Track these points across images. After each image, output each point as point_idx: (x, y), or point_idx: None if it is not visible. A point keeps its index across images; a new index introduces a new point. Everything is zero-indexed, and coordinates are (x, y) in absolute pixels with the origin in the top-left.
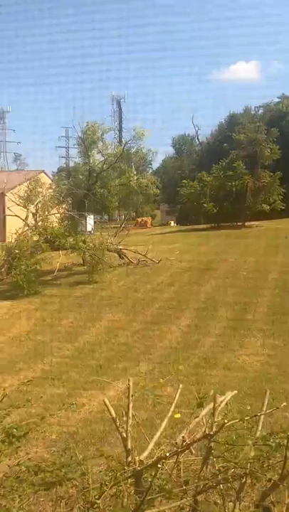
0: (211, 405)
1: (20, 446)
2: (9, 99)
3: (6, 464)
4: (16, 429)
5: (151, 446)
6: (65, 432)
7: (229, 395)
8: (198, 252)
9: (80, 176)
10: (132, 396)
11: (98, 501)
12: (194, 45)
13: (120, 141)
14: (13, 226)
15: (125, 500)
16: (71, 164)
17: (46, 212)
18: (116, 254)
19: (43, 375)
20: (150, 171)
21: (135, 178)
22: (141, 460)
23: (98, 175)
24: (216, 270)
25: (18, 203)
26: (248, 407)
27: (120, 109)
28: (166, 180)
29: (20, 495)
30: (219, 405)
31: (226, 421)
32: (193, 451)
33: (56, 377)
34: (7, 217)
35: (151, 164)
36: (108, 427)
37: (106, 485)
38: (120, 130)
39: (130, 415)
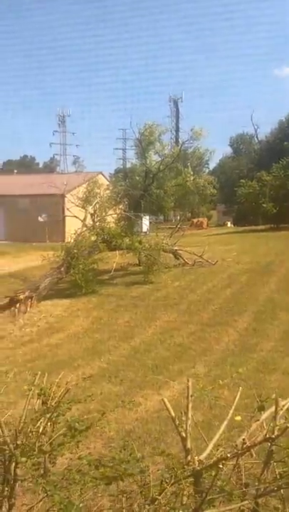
0: (273, 409)
1: (81, 441)
2: (69, 103)
3: (68, 457)
4: (78, 422)
5: (210, 447)
6: (121, 429)
7: None
8: (257, 254)
9: (137, 177)
10: (191, 396)
11: (159, 497)
12: (253, 39)
13: (177, 142)
14: (72, 227)
15: (185, 498)
16: (128, 166)
17: (104, 213)
18: (171, 255)
19: (100, 373)
20: (207, 170)
21: (192, 178)
22: (200, 460)
23: (155, 176)
24: (275, 272)
25: (77, 204)
26: None
27: (177, 109)
28: (224, 180)
29: (81, 488)
30: (281, 409)
31: (288, 425)
32: (254, 455)
33: (113, 375)
34: (66, 218)
35: (208, 164)
36: (164, 427)
37: (166, 482)
38: (177, 130)
39: (189, 415)
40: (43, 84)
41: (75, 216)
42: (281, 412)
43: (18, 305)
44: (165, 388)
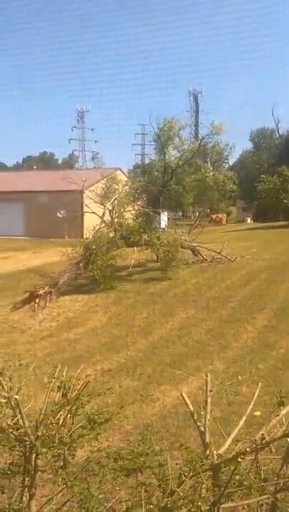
0: None
1: (100, 433)
2: (88, 100)
3: (87, 450)
4: (97, 415)
5: (229, 441)
6: (139, 424)
7: None
8: (277, 251)
9: (156, 173)
10: (210, 391)
11: (178, 490)
12: (274, 32)
13: (196, 137)
14: (91, 223)
15: (204, 491)
16: (146, 161)
17: (122, 209)
18: (190, 252)
19: (118, 367)
20: (227, 166)
21: (211, 173)
22: (219, 454)
23: (173, 171)
24: None
25: (95, 200)
26: None
27: (197, 103)
28: (244, 176)
29: (100, 480)
30: None
31: None
32: (273, 450)
33: (131, 370)
34: (85, 214)
35: (227, 159)
36: (182, 422)
37: (185, 475)
38: (196, 125)
39: (208, 410)
40: (61, 77)
41: (93, 212)
42: None
43: (37, 300)
44: (183, 384)
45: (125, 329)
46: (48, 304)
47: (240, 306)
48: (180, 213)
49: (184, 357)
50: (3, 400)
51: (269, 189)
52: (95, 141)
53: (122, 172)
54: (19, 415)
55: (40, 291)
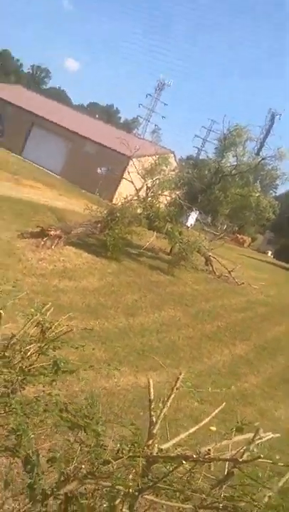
0: (250, 435)
1: (55, 380)
2: (174, 74)
3: (39, 389)
4: (64, 363)
5: (172, 442)
6: (93, 390)
7: (270, 435)
8: (284, 292)
9: (206, 172)
10: (176, 389)
11: (113, 462)
12: None
13: (258, 153)
14: (124, 191)
15: (135, 476)
16: (201, 157)
17: (160, 192)
18: (203, 259)
19: (92, 333)
20: (273, 194)
21: (257, 194)
22: (161, 448)
23: (223, 177)
24: None
25: (139, 171)
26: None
27: (272, 123)
28: (284, 210)
29: (41, 420)
30: (260, 438)
31: (261, 455)
32: (212, 468)
33: (103, 340)
34: (122, 180)
35: (277, 187)
36: (127, 404)
37: (123, 453)
38: (263, 143)
39: (168, 405)
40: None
41: (131, 182)
42: (257, 442)
43: (45, 238)
44: (144, 373)
45: (111, 302)
46: (53, 247)
47: (226, 328)
48: (209, 219)
49: (154, 350)
50: None
51: None
52: (163, 117)
53: (174, 157)
54: None
55: (52, 232)
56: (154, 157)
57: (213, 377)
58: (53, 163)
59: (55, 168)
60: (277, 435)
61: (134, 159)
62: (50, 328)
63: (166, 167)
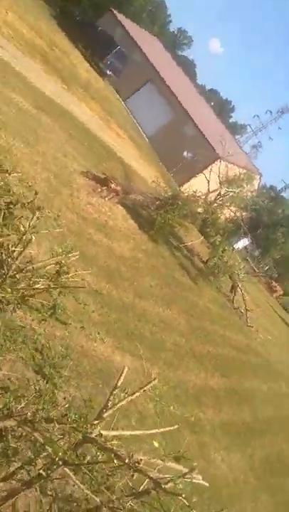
0: (183, 469)
1: (45, 321)
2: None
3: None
4: (61, 310)
5: (114, 433)
6: (69, 343)
7: (200, 481)
8: (285, 355)
9: (279, 210)
10: (144, 391)
11: (56, 424)
12: None
13: None
14: (196, 185)
15: (67, 445)
16: (284, 194)
17: (228, 204)
18: (230, 285)
19: (95, 294)
20: None
21: None
22: (101, 433)
23: None
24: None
25: (219, 175)
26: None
27: None
28: None
29: (15, 349)
30: (191, 477)
31: (182, 495)
32: (135, 476)
33: (102, 306)
34: (200, 175)
35: None
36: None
37: (68, 420)
38: None
39: (128, 399)
40: None
41: (208, 181)
42: (186, 479)
43: (104, 188)
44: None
45: (130, 275)
46: (106, 199)
47: (214, 357)
48: (257, 253)
49: (142, 338)
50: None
51: None
52: (270, 138)
53: (259, 180)
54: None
55: (112, 185)
56: (241, 169)
57: (178, 392)
58: (147, 125)
59: (146, 130)
60: (206, 484)
61: (222, 161)
62: (67, 273)
63: (247, 185)
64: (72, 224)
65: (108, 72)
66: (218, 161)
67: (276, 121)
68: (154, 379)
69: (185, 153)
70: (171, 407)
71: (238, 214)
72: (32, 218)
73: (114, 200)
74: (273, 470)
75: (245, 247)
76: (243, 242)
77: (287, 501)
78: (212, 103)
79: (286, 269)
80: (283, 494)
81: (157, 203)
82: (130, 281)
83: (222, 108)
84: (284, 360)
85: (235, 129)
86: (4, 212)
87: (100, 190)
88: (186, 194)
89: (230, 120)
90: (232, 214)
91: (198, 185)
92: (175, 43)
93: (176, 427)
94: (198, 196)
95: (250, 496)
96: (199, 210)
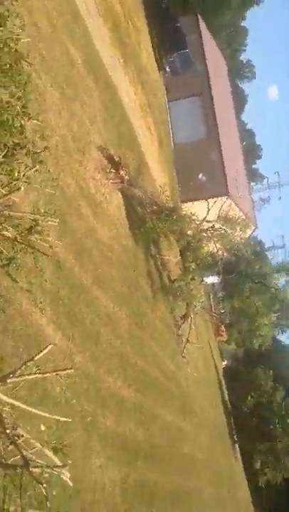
0: (57, 461)
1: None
2: None
3: None
4: (16, 267)
5: (11, 400)
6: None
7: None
8: (201, 397)
9: (257, 266)
10: (56, 374)
11: None
12: None
13: None
14: (196, 207)
15: None
16: (269, 253)
17: (215, 240)
18: (183, 312)
19: (55, 261)
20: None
21: (265, 322)
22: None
23: (262, 284)
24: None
25: (221, 211)
26: None
27: None
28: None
29: None
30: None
31: None
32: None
33: (58, 277)
34: (202, 202)
35: None
36: None
37: None
38: None
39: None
40: None
41: (208, 210)
42: (57, 472)
43: (113, 170)
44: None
45: (98, 260)
46: (110, 181)
47: (137, 370)
48: (221, 294)
49: (79, 319)
50: None
51: (257, 404)
52: (280, 198)
53: (252, 231)
54: None
55: (121, 172)
56: (241, 214)
57: (90, 388)
58: (178, 133)
59: (176, 138)
60: (70, 483)
61: (228, 199)
62: (39, 234)
63: (240, 230)
64: (67, 188)
65: (167, 68)
66: (226, 197)
67: None
68: (71, 369)
69: (200, 176)
70: (74, 401)
71: (220, 252)
72: (30, 169)
73: (117, 185)
74: (142, 497)
75: (213, 285)
76: (212, 279)
77: None
78: (244, 142)
79: (238, 321)
80: None
81: (154, 207)
82: (96, 266)
83: (251, 151)
84: (198, 400)
85: (254, 175)
86: (8, 151)
87: (108, 170)
88: (184, 212)
89: (253, 166)
90: (215, 250)
91: (198, 209)
92: (239, 71)
93: (69, 419)
94: (194, 220)
95: (106, 507)
96: (189, 232)
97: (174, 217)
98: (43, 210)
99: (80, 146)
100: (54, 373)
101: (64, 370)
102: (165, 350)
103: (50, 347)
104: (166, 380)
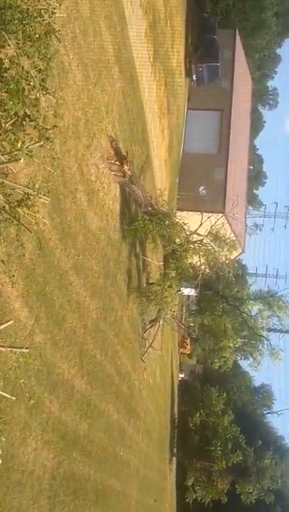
0: None
1: None
2: None
3: None
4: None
5: None
6: None
7: None
8: (153, 411)
9: (235, 289)
10: (10, 350)
11: None
12: None
13: None
14: (189, 218)
15: None
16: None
17: (201, 253)
18: (153, 317)
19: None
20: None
21: (229, 345)
22: None
23: (236, 308)
24: None
25: (213, 226)
26: None
27: None
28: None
29: None
30: None
31: None
32: None
33: (40, 256)
34: (197, 213)
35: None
36: None
37: None
38: None
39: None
40: None
41: (200, 224)
42: None
43: (117, 162)
44: None
45: (80, 246)
46: (110, 171)
47: (93, 363)
48: (194, 307)
49: (47, 298)
50: None
51: (200, 425)
52: (272, 228)
53: (239, 254)
54: None
55: (125, 167)
56: (232, 235)
57: (43, 370)
58: (190, 142)
59: (186, 146)
60: None
61: (221, 216)
62: (27, 208)
63: (225, 251)
64: (68, 170)
65: (194, 77)
66: (221, 215)
67: (287, 218)
68: (27, 348)
69: (201, 188)
70: (22, 380)
71: (202, 267)
72: (35, 143)
73: (117, 178)
74: (68, 488)
75: (188, 297)
76: (189, 291)
77: None
78: (251, 166)
79: (204, 338)
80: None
81: (149, 208)
82: (78, 252)
83: (256, 176)
84: (147, 405)
85: (253, 200)
86: (17, 120)
87: (112, 161)
88: (176, 220)
89: (255, 191)
90: (198, 263)
91: (192, 220)
92: (262, 96)
93: (13, 398)
94: (185, 229)
95: (30, 495)
96: (177, 240)
97: (166, 222)
98: (37, 186)
99: (91, 132)
100: (9, 349)
101: (20, 348)
102: (126, 350)
103: (10, 322)
104: (120, 380)
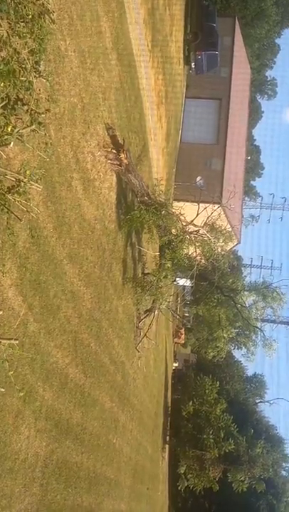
0: None
1: None
2: None
3: None
4: None
5: None
6: None
7: None
8: (146, 399)
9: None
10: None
11: None
12: None
13: None
14: (186, 209)
15: None
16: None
17: (197, 244)
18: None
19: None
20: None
21: (224, 337)
22: None
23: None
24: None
25: (209, 218)
26: None
27: None
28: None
29: None
30: None
31: None
32: None
33: (33, 242)
34: (194, 204)
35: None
36: None
37: None
38: None
39: None
40: None
41: (197, 214)
42: None
43: (113, 151)
44: None
45: (75, 234)
46: (107, 160)
47: (87, 352)
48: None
49: (43, 288)
50: None
51: (193, 412)
52: (268, 220)
53: (235, 245)
54: None
55: (122, 155)
56: (228, 226)
57: (36, 342)
58: (188, 131)
59: (184, 135)
60: None
61: (218, 207)
62: (19, 195)
63: (221, 242)
64: (64, 157)
65: (192, 65)
66: (218, 206)
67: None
68: (16, 340)
69: (198, 179)
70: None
71: (198, 258)
72: (26, 127)
73: (114, 167)
74: (61, 476)
75: (184, 287)
76: (184, 282)
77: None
78: (249, 157)
79: (198, 328)
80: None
81: (146, 198)
82: (73, 241)
83: (253, 167)
84: (141, 394)
85: (250, 191)
86: (8, 103)
87: (109, 150)
88: (173, 210)
89: (252, 181)
90: (194, 254)
91: (188, 211)
92: (261, 86)
93: (2, 390)
94: (181, 220)
95: (22, 482)
96: (173, 230)
97: (163, 212)
98: (28, 173)
99: (87, 119)
100: None
101: (8, 339)
102: (121, 340)
103: None
104: (114, 369)
